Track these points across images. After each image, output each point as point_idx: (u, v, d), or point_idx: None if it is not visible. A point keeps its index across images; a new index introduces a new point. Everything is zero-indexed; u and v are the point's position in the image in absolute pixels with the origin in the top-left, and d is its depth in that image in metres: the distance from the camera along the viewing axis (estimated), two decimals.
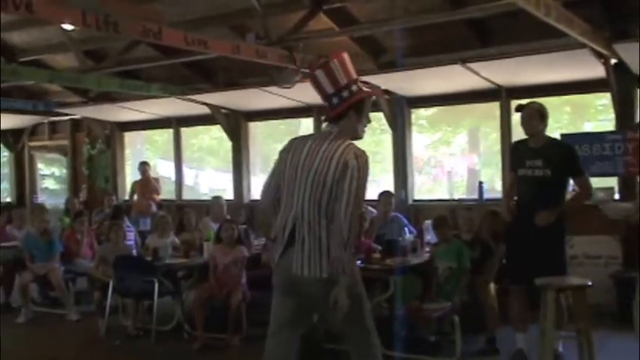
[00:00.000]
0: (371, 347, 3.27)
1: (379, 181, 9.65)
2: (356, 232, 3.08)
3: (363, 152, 3.11)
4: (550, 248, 4.69)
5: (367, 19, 7.68)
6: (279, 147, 3.34)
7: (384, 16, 7.37)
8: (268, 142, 11.14)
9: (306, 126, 10.16)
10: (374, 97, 3.33)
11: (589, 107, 8.84)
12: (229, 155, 10.49)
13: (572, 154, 4.84)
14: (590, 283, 4.39)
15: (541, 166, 4.68)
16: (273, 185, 3.28)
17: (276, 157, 3.34)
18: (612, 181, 7.28)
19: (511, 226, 4.94)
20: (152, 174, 10.55)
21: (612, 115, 7.30)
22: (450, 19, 6.90)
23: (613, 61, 6.53)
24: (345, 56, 3.21)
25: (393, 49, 7.90)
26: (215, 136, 11.57)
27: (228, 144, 10.44)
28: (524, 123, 4.81)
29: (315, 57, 7.15)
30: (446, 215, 5.90)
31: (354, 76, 3.21)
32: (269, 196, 3.30)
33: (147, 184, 10.22)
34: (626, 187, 7.10)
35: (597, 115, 8.77)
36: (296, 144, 3.25)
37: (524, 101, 4.97)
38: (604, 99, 7.68)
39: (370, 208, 7.04)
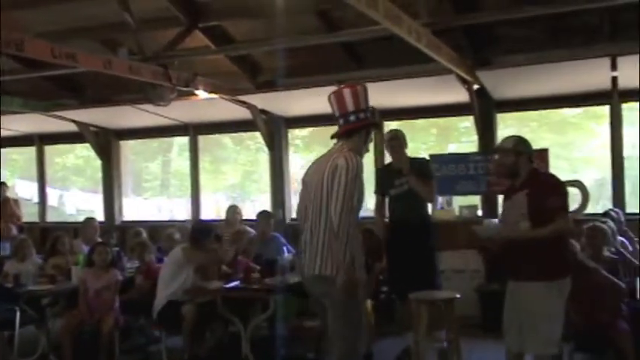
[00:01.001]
0: (337, 351, 3.38)
1: (256, 200, 9.60)
2: (345, 227, 3.27)
3: (355, 155, 3.44)
4: (422, 263, 4.97)
5: (244, 38, 7.68)
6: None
7: (261, 35, 7.41)
8: (139, 160, 10.73)
9: (180, 144, 9.93)
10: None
11: (453, 130, 9.38)
12: (98, 174, 10.01)
13: (424, 164, 5.49)
14: (458, 296, 4.67)
15: (407, 181, 5.20)
16: (302, 208, 3.64)
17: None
18: (475, 200, 7.78)
19: (389, 243, 5.22)
20: (11, 195, 9.83)
21: (475, 137, 7.83)
22: (326, 41, 7.08)
23: (475, 86, 7.02)
24: (367, 86, 3.65)
25: (271, 69, 7.95)
26: (81, 155, 11.00)
27: (96, 163, 9.96)
28: (396, 153, 5.29)
29: (191, 74, 7.02)
30: None
31: (369, 104, 3.63)
32: (302, 219, 3.63)
33: (4, 206, 9.51)
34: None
35: (460, 137, 9.33)
36: (310, 165, 3.69)
37: (394, 124, 5.26)
38: (467, 122, 8.21)
39: (248, 228, 7.00)
